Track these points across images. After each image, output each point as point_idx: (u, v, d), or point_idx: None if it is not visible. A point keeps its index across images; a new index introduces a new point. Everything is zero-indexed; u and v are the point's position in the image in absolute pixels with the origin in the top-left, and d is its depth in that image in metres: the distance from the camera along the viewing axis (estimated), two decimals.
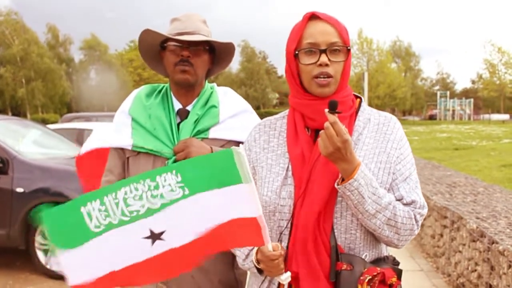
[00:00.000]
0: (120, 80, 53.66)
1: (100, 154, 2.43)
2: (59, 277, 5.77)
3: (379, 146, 1.68)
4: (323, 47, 1.63)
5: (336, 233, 1.61)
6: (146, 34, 2.08)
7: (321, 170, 1.61)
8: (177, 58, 2.04)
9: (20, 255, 6.35)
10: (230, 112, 2.15)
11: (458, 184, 7.36)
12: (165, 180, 1.51)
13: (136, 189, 1.52)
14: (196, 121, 2.08)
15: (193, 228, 1.52)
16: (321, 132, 1.53)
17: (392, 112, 76.85)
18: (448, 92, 67.55)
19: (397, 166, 1.66)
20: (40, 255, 5.92)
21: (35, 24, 59.10)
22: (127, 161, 2.12)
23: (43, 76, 53.00)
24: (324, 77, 1.63)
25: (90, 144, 2.60)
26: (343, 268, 1.56)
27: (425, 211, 1.68)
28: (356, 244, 1.63)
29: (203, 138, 2.04)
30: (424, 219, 6.62)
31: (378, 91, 60.55)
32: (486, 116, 63.23)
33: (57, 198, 5.68)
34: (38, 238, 5.89)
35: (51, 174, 5.85)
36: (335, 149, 1.49)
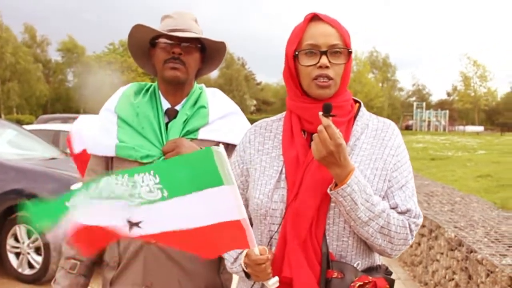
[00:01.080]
0: (98, 83, 53.13)
1: None
2: (31, 281, 5.68)
3: (376, 152, 1.64)
4: (323, 49, 1.60)
5: (328, 240, 1.57)
6: (137, 30, 2.02)
7: (314, 175, 1.57)
8: (167, 55, 1.99)
9: None
10: (219, 113, 2.10)
11: (435, 193, 7.41)
12: (143, 181, 1.47)
13: (116, 180, 1.50)
14: (185, 121, 2.02)
15: (172, 223, 1.48)
16: (314, 135, 1.49)
17: None
18: (424, 103, 68.37)
19: (394, 173, 1.63)
20: (12, 258, 5.78)
21: (11, 24, 58.19)
22: (111, 161, 2.06)
23: (19, 76, 52.17)
24: (324, 79, 1.60)
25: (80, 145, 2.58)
26: (333, 276, 1.53)
27: (420, 220, 1.64)
28: (348, 252, 1.59)
29: (192, 139, 1.99)
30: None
31: None
32: (461, 127, 64.20)
33: (31, 200, 5.54)
34: (10, 241, 5.75)
35: (26, 175, 5.72)
36: (328, 153, 1.46)
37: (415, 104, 69.06)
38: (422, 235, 5.71)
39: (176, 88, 2.06)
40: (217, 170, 1.38)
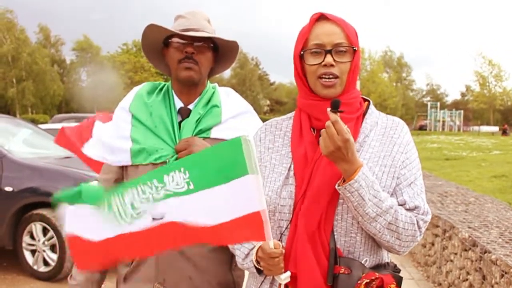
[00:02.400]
0: (111, 83, 53.50)
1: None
2: (46, 278, 5.74)
3: (385, 149, 1.65)
4: (328, 48, 1.62)
5: (336, 236, 1.59)
6: (150, 30, 2.04)
7: (323, 171, 1.59)
8: (181, 55, 2.01)
9: (8, 256, 6.26)
10: (232, 113, 2.12)
11: (449, 193, 7.37)
12: (172, 180, 1.51)
13: (144, 192, 1.56)
14: (198, 120, 2.04)
15: (194, 215, 1.51)
16: (322, 130, 1.51)
17: None
18: (438, 103, 67.90)
19: (402, 170, 1.64)
20: (28, 255, 5.84)
21: (26, 24, 58.76)
22: (126, 169, 2.08)
23: (34, 76, 52.65)
24: (329, 78, 1.62)
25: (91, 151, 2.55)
26: (341, 271, 1.54)
27: (428, 217, 1.65)
28: (356, 248, 1.61)
29: (204, 138, 2.01)
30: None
31: None
32: (476, 127, 63.70)
33: (46, 198, 5.61)
34: (25, 239, 5.81)
35: (41, 174, 5.77)
36: (336, 148, 1.47)
37: (429, 104, 68.64)
38: (436, 235, 5.68)
39: (190, 88, 2.08)
40: (244, 159, 1.42)
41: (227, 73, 68.51)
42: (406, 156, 1.66)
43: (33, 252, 5.85)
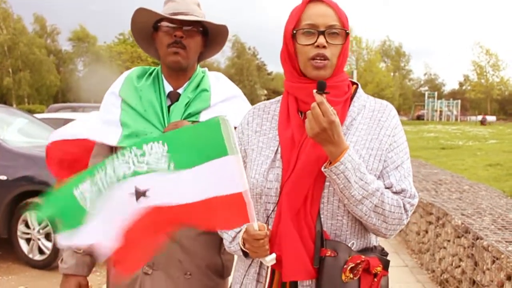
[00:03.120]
0: (108, 73, 53.25)
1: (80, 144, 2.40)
2: (42, 266, 5.75)
3: (372, 132, 1.65)
4: (321, 29, 1.62)
5: (322, 219, 1.59)
6: (139, 13, 2.04)
7: (309, 153, 1.58)
8: (170, 39, 2.00)
9: (3, 244, 6.27)
10: (221, 97, 2.12)
11: (444, 181, 7.40)
12: (151, 149, 1.52)
13: (123, 155, 1.56)
14: (187, 104, 2.04)
15: (178, 194, 1.52)
16: (308, 112, 1.51)
17: None
18: (436, 93, 67.77)
19: (389, 153, 1.64)
20: (23, 244, 5.86)
21: (21, 14, 58.24)
22: (115, 150, 2.08)
23: (30, 66, 52.39)
24: (320, 59, 1.61)
25: (75, 132, 2.53)
26: (327, 254, 1.54)
27: (415, 200, 1.65)
28: (343, 231, 1.61)
29: (193, 122, 2.01)
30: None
31: (366, 90, 60.30)
32: (473, 117, 63.68)
33: (41, 187, 5.62)
34: (20, 227, 5.83)
35: (36, 163, 5.77)
36: (321, 129, 1.47)
37: (426, 94, 68.54)
38: (430, 223, 5.71)
39: (178, 72, 2.08)
40: (223, 139, 1.42)
41: (224, 63, 68.43)
42: (393, 139, 1.66)
43: (28, 240, 5.87)
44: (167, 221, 1.57)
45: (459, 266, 4.63)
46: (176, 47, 2.00)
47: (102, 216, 1.62)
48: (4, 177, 5.71)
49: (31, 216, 5.76)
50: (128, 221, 1.59)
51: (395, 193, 1.62)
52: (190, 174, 1.48)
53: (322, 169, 1.54)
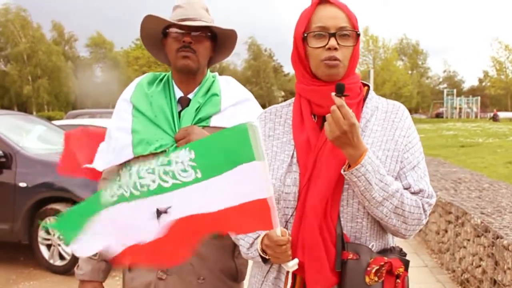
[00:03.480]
0: (125, 78, 53.71)
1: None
2: (62, 272, 5.81)
3: (387, 133, 1.64)
4: (332, 31, 1.61)
5: (342, 222, 1.58)
6: (148, 20, 2.06)
7: (327, 157, 1.58)
8: (179, 44, 2.02)
9: (24, 250, 6.36)
10: (231, 101, 2.12)
11: (463, 180, 7.31)
12: (178, 157, 1.50)
13: (150, 163, 1.55)
14: (198, 109, 2.05)
15: (199, 206, 1.51)
16: (328, 115, 1.50)
17: None
18: (455, 90, 67.02)
19: (405, 154, 1.63)
20: (44, 250, 5.93)
21: (39, 22, 58.83)
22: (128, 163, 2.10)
23: (49, 73, 53.03)
24: (332, 60, 1.60)
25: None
26: (349, 257, 1.53)
27: (433, 200, 1.64)
28: (363, 233, 1.60)
29: (204, 126, 2.02)
30: (429, 215, 6.57)
31: (384, 89, 60.31)
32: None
33: (60, 193, 5.69)
34: (41, 233, 5.90)
35: (54, 169, 5.81)
36: (342, 132, 1.47)
37: (445, 91, 67.85)
38: (449, 222, 5.64)
39: (189, 77, 2.09)
40: (250, 145, 1.41)
41: (241, 65, 68.47)
42: (408, 139, 1.66)
43: (48, 246, 5.94)
44: (188, 231, 1.56)
45: (480, 265, 4.57)
46: (186, 51, 2.01)
47: (114, 219, 1.63)
48: (24, 184, 5.78)
49: (51, 222, 5.82)
50: (143, 237, 1.59)
51: (414, 193, 1.61)
52: (216, 182, 1.46)
53: (342, 172, 1.53)
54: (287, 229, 1.61)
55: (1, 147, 5.93)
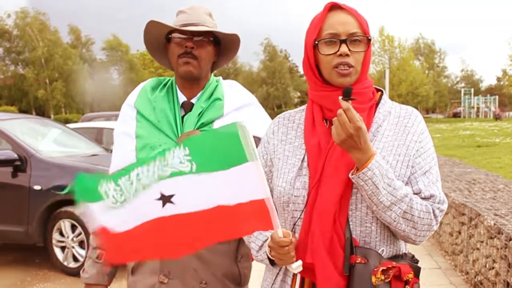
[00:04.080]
0: (142, 80, 53.92)
1: None
2: (76, 274, 5.87)
3: (399, 138, 1.64)
4: (343, 37, 1.62)
5: (351, 226, 1.58)
6: (151, 26, 2.08)
7: (336, 161, 1.59)
8: (181, 49, 2.04)
9: (40, 252, 6.45)
10: (234, 105, 2.14)
11: (477, 181, 7.24)
12: (173, 153, 1.52)
13: (148, 170, 1.56)
14: (200, 114, 2.07)
15: (202, 200, 1.52)
16: (334, 119, 1.51)
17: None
18: (472, 90, 66.37)
19: (417, 159, 1.63)
20: (58, 252, 6.00)
21: (56, 25, 59.37)
22: None
23: (66, 77, 53.50)
24: (344, 67, 1.61)
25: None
26: (357, 261, 1.53)
27: (444, 206, 1.63)
28: (372, 238, 1.60)
29: None
30: (442, 217, 6.51)
31: (400, 89, 59.90)
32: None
33: (74, 196, 5.73)
34: (55, 236, 5.97)
35: (68, 172, 5.90)
36: (348, 136, 1.47)
37: (462, 90, 67.22)
38: (462, 224, 5.59)
39: (191, 82, 2.10)
40: (241, 146, 1.43)
41: (257, 66, 68.40)
42: (420, 145, 1.65)
43: (62, 248, 6.01)
44: (192, 233, 1.57)
45: (493, 267, 4.52)
46: (187, 57, 2.02)
47: (123, 210, 1.63)
48: (38, 187, 5.85)
49: (65, 224, 5.89)
50: (148, 216, 1.60)
51: (424, 198, 1.60)
52: (213, 179, 1.48)
53: (350, 175, 1.54)
54: (295, 231, 1.63)
55: (16, 151, 6.01)
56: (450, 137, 19.83)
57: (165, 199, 1.55)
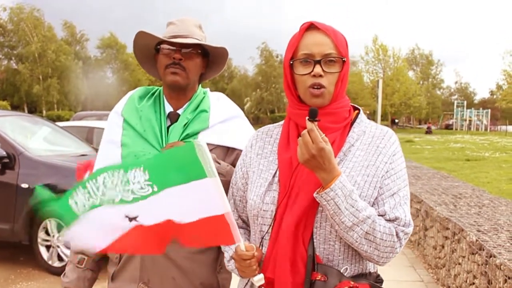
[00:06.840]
0: (135, 80, 53.91)
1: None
2: (60, 273, 5.81)
3: (369, 159, 1.66)
4: (317, 58, 1.64)
5: (315, 243, 1.61)
6: (140, 36, 2.11)
7: (305, 178, 1.61)
8: (169, 60, 2.06)
9: (24, 251, 6.43)
10: (220, 118, 2.16)
11: (464, 195, 7.30)
12: (134, 178, 1.57)
13: (113, 176, 1.60)
14: (186, 125, 2.09)
15: (164, 213, 1.58)
16: (299, 139, 1.54)
17: (408, 120, 76.14)
18: (465, 102, 66.65)
19: (385, 180, 1.64)
20: (43, 251, 6.00)
21: (51, 21, 59.09)
22: None
23: (59, 73, 53.28)
24: (317, 88, 1.64)
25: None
26: (317, 278, 1.56)
27: (410, 229, 1.64)
28: (335, 256, 1.62)
29: None
30: (427, 230, 6.58)
31: (393, 99, 60.10)
32: (504, 127, 62.42)
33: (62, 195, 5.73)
34: (41, 234, 5.97)
35: (57, 171, 5.91)
36: (310, 156, 1.50)
37: (455, 102, 67.49)
38: (446, 238, 5.64)
39: (178, 93, 2.13)
40: (200, 163, 1.48)
41: (252, 70, 68.40)
42: (391, 166, 1.66)
43: (48, 247, 6.01)
44: (160, 235, 1.63)
45: (473, 283, 4.57)
46: (175, 68, 2.05)
47: (92, 222, 1.67)
48: (25, 185, 5.85)
49: (51, 223, 5.89)
50: (120, 234, 1.65)
51: (389, 221, 1.61)
52: (174, 192, 1.53)
53: (314, 194, 1.56)
54: (262, 245, 1.67)
55: (5, 148, 6.01)
56: (441, 150, 19.92)
57: (131, 219, 1.62)
